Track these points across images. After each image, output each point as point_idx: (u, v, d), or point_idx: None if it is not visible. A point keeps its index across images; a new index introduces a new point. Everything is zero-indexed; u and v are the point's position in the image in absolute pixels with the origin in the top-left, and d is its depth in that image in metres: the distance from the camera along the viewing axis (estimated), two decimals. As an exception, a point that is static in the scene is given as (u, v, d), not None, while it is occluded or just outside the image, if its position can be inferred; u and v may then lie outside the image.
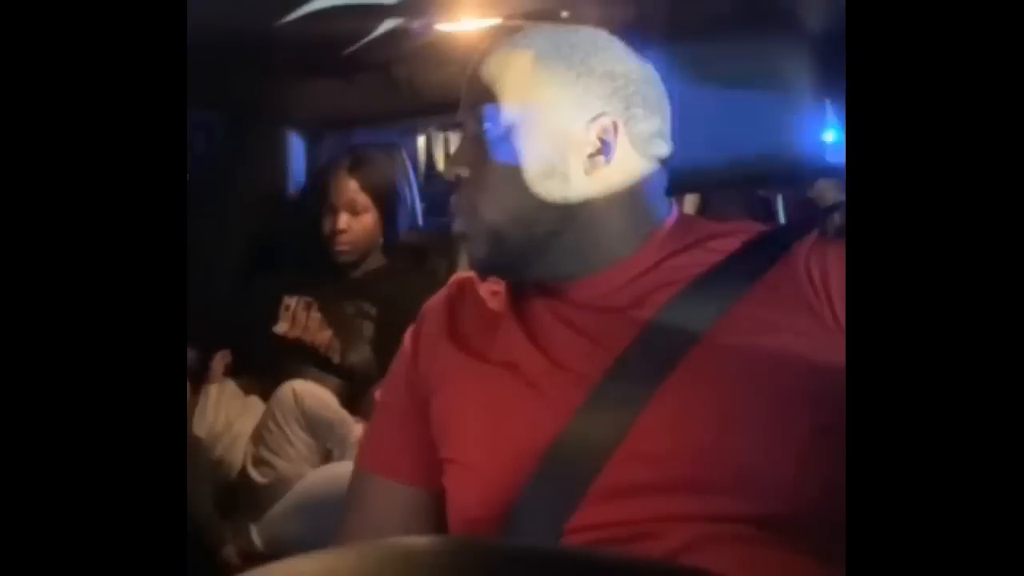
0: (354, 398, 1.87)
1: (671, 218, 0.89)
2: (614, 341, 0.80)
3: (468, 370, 0.86)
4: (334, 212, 2.00)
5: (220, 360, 1.98)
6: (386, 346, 1.81)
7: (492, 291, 0.91)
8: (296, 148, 2.33)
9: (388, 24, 1.73)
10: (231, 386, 1.94)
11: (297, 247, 2.13)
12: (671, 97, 0.90)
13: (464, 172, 0.87)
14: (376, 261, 2.08)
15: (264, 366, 1.96)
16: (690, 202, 1.70)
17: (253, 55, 1.81)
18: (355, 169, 2.02)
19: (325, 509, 1.38)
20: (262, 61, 1.87)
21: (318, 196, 2.07)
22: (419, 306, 0.96)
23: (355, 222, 2.01)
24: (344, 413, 1.78)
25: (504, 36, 0.88)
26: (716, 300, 0.80)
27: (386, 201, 2.05)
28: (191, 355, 1.91)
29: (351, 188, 2.01)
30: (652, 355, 0.78)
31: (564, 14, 1.65)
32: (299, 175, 2.33)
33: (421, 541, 0.60)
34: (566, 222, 0.84)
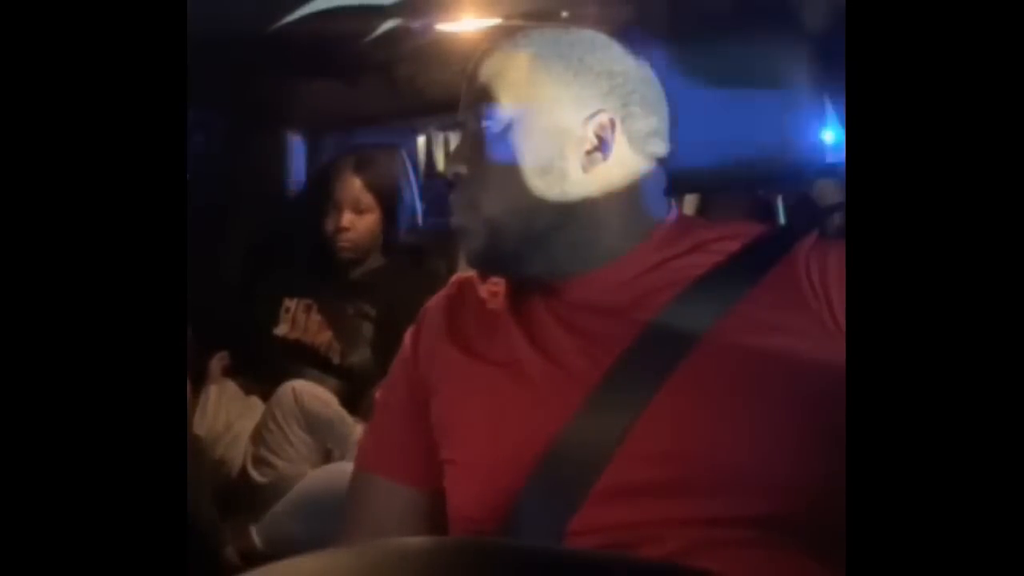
0: (354, 399, 1.87)
1: (670, 218, 0.89)
2: (614, 342, 0.80)
3: (468, 370, 0.86)
4: (338, 210, 2.00)
5: (218, 361, 1.98)
6: (386, 346, 1.82)
7: (492, 291, 0.91)
8: (296, 148, 2.33)
9: (388, 24, 1.73)
10: (231, 386, 1.94)
11: (297, 248, 2.13)
12: (671, 97, 0.91)
13: (463, 169, 0.87)
14: (376, 261, 2.08)
15: (264, 367, 1.96)
16: (690, 202, 1.70)
17: (253, 55, 1.81)
18: (361, 168, 2.02)
19: (325, 509, 1.38)
20: (262, 61, 1.87)
21: (319, 196, 2.07)
22: (419, 306, 0.96)
23: (358, 221, 2.01)
24: (344, 412, 1.78)
25: (503, 36, 0.89)
26: (716, 301, 0.80)
27: (389, 201, 2.06)
28: (191, 356, 1.92)
29: (356, 186, 2.01)
30: (652, 356, 0.78)
31: (564, 14, 1.65)
32: (299, 175, 2.33)
33: (420, 541, 0.60)
34: (564, 218, 0.84)
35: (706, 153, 0.98)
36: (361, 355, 1.95)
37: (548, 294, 0.86)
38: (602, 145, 0.85)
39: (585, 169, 0.85)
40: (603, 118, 0.85)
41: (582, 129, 0.85)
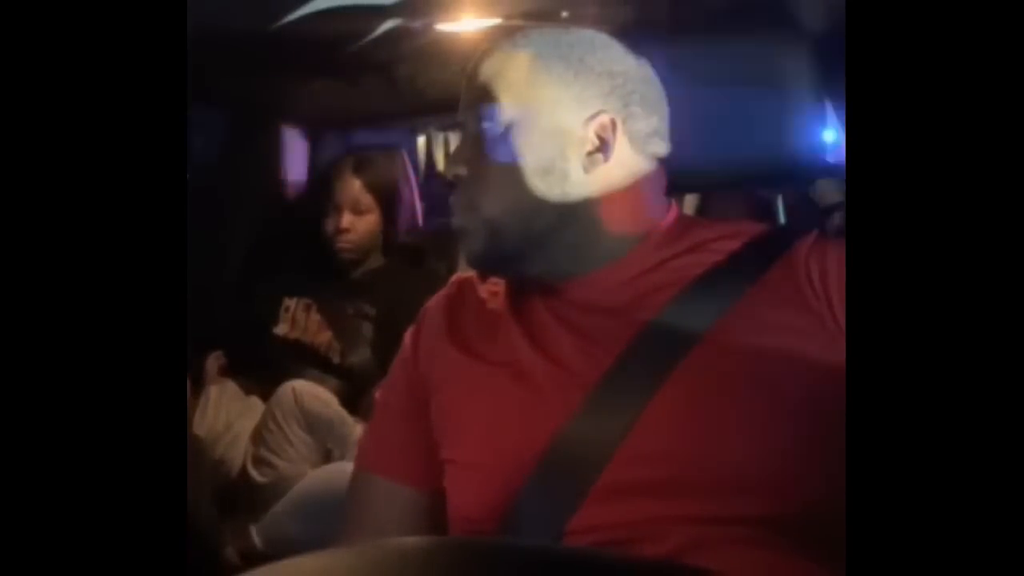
0: (354, 399, 1.87)
1: (670, 217, 0.89)
2: (614, 341, 0.80)
3: (468, 370, 0.86)
4: (338, 211, 2.01)
5: (214, 360, 1.98)
6: (386, 346, 1.82)
7: (492, 291, 0.91)
8: (296, 148, 2.33)
9: (388, 24, 1.73)
10: (231, 386, 1.94)
11: (297, 247, 2.13)
12: (671, 97, 0.91)
13: (463, 171, 0.87)
14: (376, 261, 2.08)
15: (264, 367, 1.96)
16: (690, 202, 1.70)
17: (253, 55, 1.81)
18: (360, 169, 2.02)
19: (325, 509, 1.38)
20: (262, 61, 1.87)
21: (319, 196, 2.07)
22: (419, 306, 0.96)
23: (358, 222, 2.01)
24: (344, 412, 1.78)
25: (503, 36, 0.89)
26: (716, 300, 0.80)
27: (389, 202, 2.06)
28: (192, 356, 1.92)
29: (355, 188, 2.01)
30: (652, 356, 0.78)
31: (564, 14, 1.65)
32: (299, 175, 2.33)
33: (419, 541, 0.60)
34: (565, 220, 0.84)
35: (706, 153, 0.98)
36: (361, 355, 1.95)
37: (548, 294, 0.86)
38: (603, 146, 0.85)
39: (586, 170, 0.85)
40: (604, 119, 0.85)
41: (583, 130, 0.85)
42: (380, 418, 0.95)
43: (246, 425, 1.85)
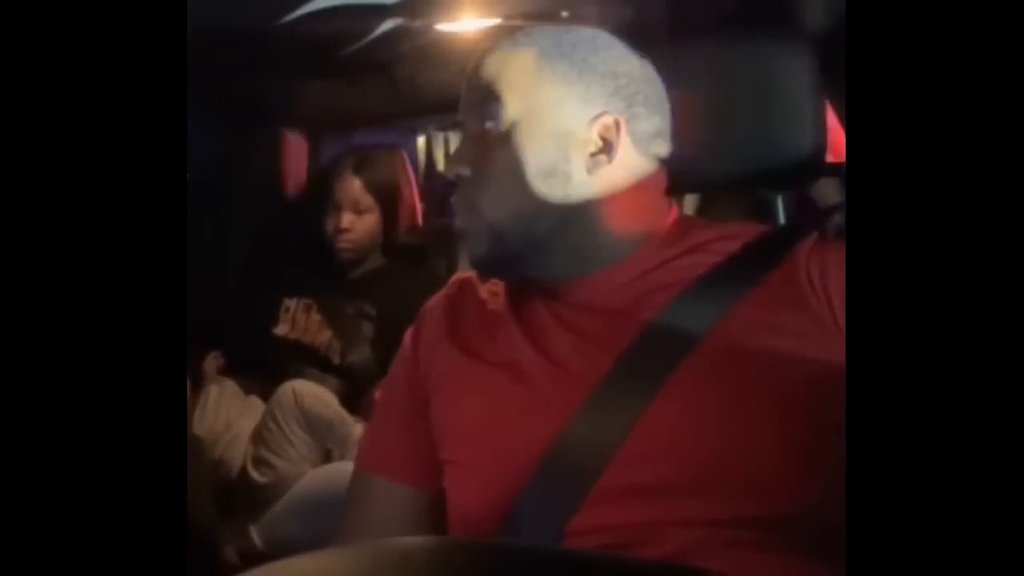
0: (354, 399, 1.87)
1: (670, 218, 0.89)
2: (614, 342, 0.80)
3: (468, 371, 0.86)
4: (338, 211, 2.01)
5: (212, 361, 1.98)
6: (386, 346, 1.82)
7: (492, 292, 0.91)
8: (296, 148, 2.33)
9: (388, 24, 1.73)
10: (231, 386, 1.94)
11: (297, 247, 2.13)
12: (672, 97, 0.90)
13: (465, 171, 0.87)
14: (376, 261, 2.08)
15: (264, 367, 1.96)
16: (690, 202, 1.70)
17: (253, 55, 1.81)
18: (360, 169, 2.02)
19: (325, 509, 1.38)
20: (262, 61, 1.87)
21: (319, 196, 2.07)
22: (419, 306, 0.96)
23: (358, 221, 2.01)
24: (344, 412, 1.78)
25: (505, 35, 0.88)
26: (716, 302, 0.80)
27: (389, 202, 2.06)
28: (192, 356, 1.92)
29: (356, 187, 2.01)
30: (652, 357, 0.78)
31: (564, 14, 1.65)
32: (299, 175, 2.33)
33: (419, 541, 0.60)
34: (567, 221, 0.84)
35: (706, 153, 0.98)
36: (361, 355, 1.95)
37: (548, 295, 0.86)
38: (607, 147, 0.84)
39: (589, 171, 0.84)
40: (608, 120, 0.84)
41: (586, 131, 0.84)
42: (380, 418, 0.95)
43: (246, 425, 1.85)
